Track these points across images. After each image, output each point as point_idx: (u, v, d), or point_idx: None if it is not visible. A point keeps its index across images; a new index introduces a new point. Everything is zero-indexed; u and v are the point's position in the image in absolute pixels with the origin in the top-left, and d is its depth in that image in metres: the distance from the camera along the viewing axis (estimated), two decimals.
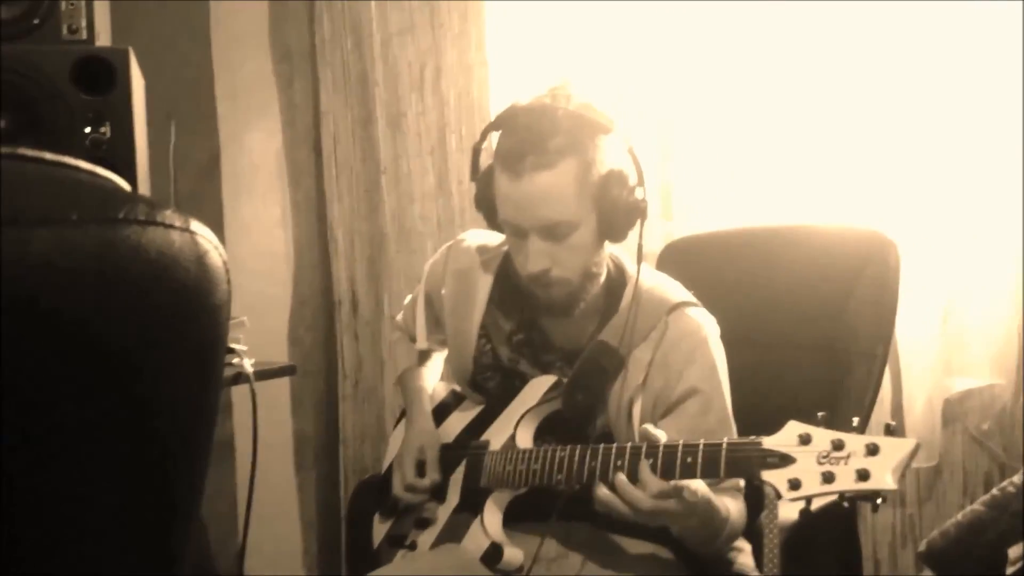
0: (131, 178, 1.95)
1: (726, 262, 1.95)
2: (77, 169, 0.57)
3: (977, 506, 1.54)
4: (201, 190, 3.04)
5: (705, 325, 1.56)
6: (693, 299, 1.60)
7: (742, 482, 1.54)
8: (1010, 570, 1.48)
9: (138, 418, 0.53)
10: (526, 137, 1.45)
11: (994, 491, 1.53)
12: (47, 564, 0.52)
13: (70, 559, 0.52)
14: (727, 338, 1.59)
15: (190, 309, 0.54)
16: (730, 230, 2.07)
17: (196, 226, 0.56)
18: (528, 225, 1.47)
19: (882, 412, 1.99)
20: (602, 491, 1.36)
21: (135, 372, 0.52)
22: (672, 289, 1.61)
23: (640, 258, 1.53)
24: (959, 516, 1.56)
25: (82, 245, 0.50)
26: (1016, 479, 1.51)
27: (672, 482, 1.32)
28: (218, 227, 3.05)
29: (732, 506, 1.48)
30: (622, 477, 1.34)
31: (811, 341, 1.80)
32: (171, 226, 0.54)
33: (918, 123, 2.00)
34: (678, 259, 1.99)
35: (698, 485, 1.35)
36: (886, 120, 2.03)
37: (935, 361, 2.01)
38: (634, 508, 1.33)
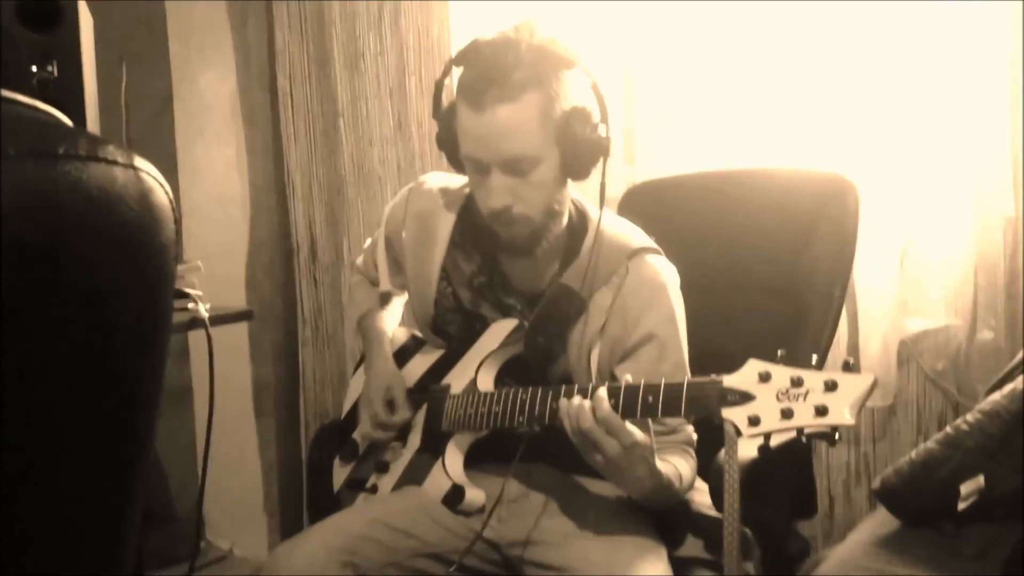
0: (80, 119, 1.90)
1: (687, 206, 1.95)
2: (15, 102, 0.55)
3: (930, 444, 1.56)
4: (153, 132, 2.98)
5: (664, 272, 1.56)
6: (654, 245, 1.59)
7: (694, 436, 1.56)
8: (962, 506, 1.51)
9: (84, 357, 0.52)
10: (488, 70, 1.42)
11: (947, 429, 1.55)
12: None
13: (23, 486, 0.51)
14: (688, 281, 1.59)
15: (135, 248, 0.52)
16: (691, 174, 2.06)
17: (140, 163, 0.53)
18: (490, 160, 1.45)
19: (838, 353, 2.01)
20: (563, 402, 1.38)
21: (79, 311, 0.50)
22: (633, 234, 1.60)
23: (603, 197, 1.52)
24: (912, 454, 1.59)
25: (20, 181, 0.48)
26: (969, 417, 1.53)
27: (627, 422, 1.33)
28: (171, 170, 3.00)
29: (683, 466, 1.50)
30: (582, 401, 1.35)
31: (770, 283, 1.81)
32: (114, 162, 0.51)
33: (878, 66, 1.99)
34: (640, 203, 1.98)
35: (644, 439, 1.36)
36: (846, 63, 2.02)
37: (892, 302, 2.03)
38: (578, 423, 1.34)
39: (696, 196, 1.97)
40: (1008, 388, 1.52)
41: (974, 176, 1.95)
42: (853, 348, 2.05)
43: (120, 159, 0.52)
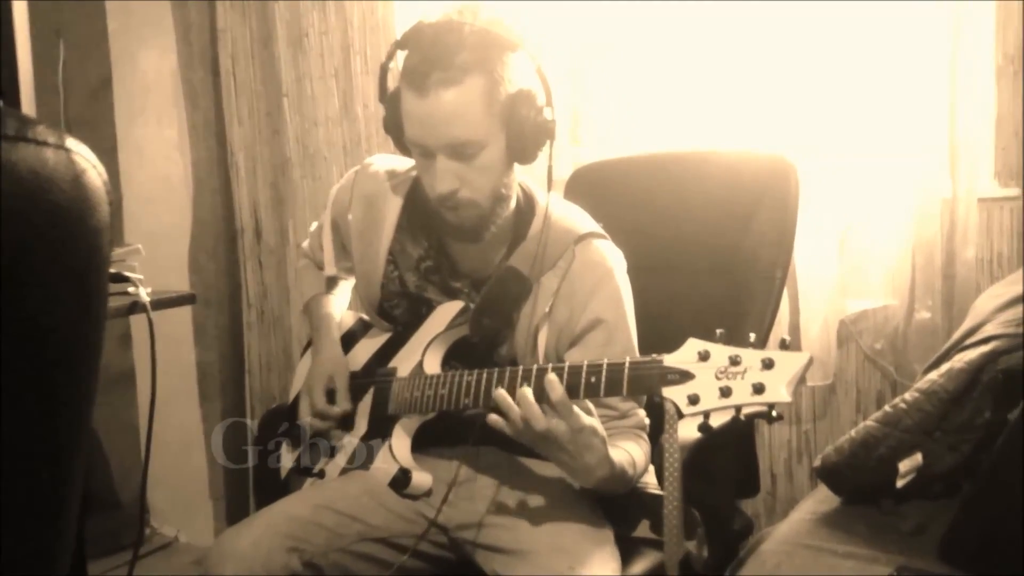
0: (14, 99, 1.85)
1: (632, 187, 1.96)
2: None
3: (869, 422, 1.59)
4: (93, 113, 2.92)
5: (611, 257, 1.57)
6: (600, 230, 1.60)
7: (646, 420, 1.57)
8: (900, 483, 1.54)
9: (14, 350, 0.50)
10: (431, 53, 1.41)
11: (886, 408, 1.58)
12: None
13: None
14: (632, 262, 1.60)
15: (67, 233, 0.50)
16: (636, 155, 2.07)
17: (72, 143, 0.52)
18: (435, 144, 1.44)
19: (780, 333, 2.03)
20: (497, 403, 1.36)
21: (7, 301, 0.48)
22: (580, 219, 1.60)
23: (550, 181, 1.52)
24: (852, 432, 1.61)
25: None
26: (907, 396, 1.56)
27: (576, 408, 1.34)
28: (111, 151, 2.94)
29: (636, 452, 1.50)
30: (527, 391, 1.34)
31: (713, 265, 1.82)
32: (44, 143, 0.50)
33: (819, 50, 2.02)
34: (586, 184, 1.99)
35: (595, 425, 1.37)
36: (788, 47, 2.04)
37: (832, 284, 2.06)
38: (528, 423, 1.33)
39: (641, 177, 1.98)
40: (945, 367, 1.55)
41: (911, 159, 1.99)
42: (794, 328, 2.09)
43: (51, 139, 0.50)
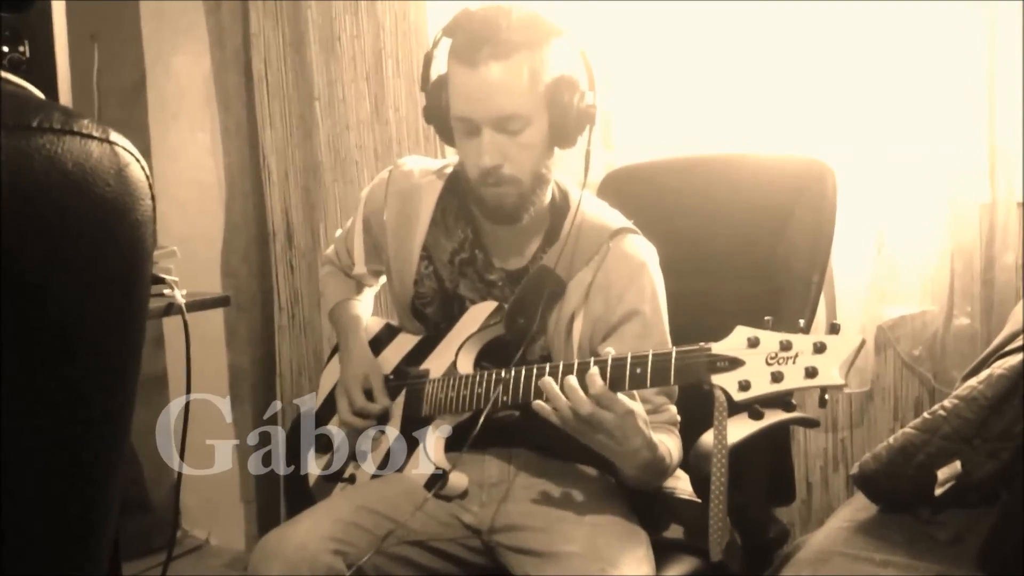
0: (53, 101, 1.87)
1: (666, 191, 1.94)
2: None
3: (908, 430, 1.57)
4: (126, 115, 2.94)
5: (644, 251, 1.58)
6: (633, 226, 1.61)
7: (677, 417, 1.56)
8: (939, 491, 1.52)
9: (57, 344, 0.50)
10: (482, 31, 1.45)
11: (924, 415, 1.56)
12: None
13: None
14: (666, 267, 1.60)
15: (110, 225, 0.50)
16: (670, 159, 2.05)
17: (116, 137, 0.52)
18: (482, 117, 1.47)
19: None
20: (545, 391, 1.36)
21: (52, 294, 0.48)
22: (613, 216, 1.62)
23: (588, 163, 1.54)
24: (890, 440, 1.59)
25: None
26: (946, 403, 1.54)
27: (618, 393, 1.33)
28: (145, 154, 2.92)
29: (670, 443, 1.50)
30: (572, 379, 1.34)
31: (749, 269, 1.80)
32: (89, 136, 0.50)
33: (855, 53, 2.00)
34: (618, 188, 1.97)
35: (638, 408, 1.36)
36: (824, 50, 2.02)
37: (869, 289, 2.04)
38: (575, 410, 1.33)
39: (675, 181, 1.96)
40: (984, 374, 1.53)
41: (950, 163, 1.96)
42: None
43: (95, 133, 0.50)
